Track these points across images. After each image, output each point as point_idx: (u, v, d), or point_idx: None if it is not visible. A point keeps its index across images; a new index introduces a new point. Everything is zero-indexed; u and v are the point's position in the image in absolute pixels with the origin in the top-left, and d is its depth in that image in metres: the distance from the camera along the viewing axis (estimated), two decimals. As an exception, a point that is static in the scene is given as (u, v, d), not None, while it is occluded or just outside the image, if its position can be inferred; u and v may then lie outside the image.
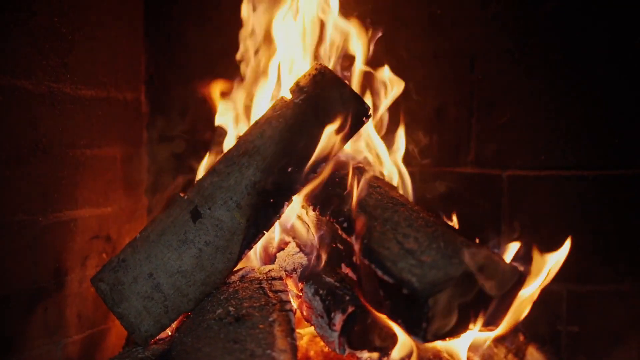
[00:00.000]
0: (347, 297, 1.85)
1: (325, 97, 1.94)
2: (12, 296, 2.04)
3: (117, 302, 1.87)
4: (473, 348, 1.92)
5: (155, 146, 2.73)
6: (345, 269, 1.97)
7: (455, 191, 2.49)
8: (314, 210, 2.02)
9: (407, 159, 2.36)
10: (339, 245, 1.96)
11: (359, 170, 2.11)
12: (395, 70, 2.37)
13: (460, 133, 2.51)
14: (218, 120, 2.37)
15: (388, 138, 2.34)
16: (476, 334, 1.85)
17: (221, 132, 2.39)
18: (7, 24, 1.97)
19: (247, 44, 2.37)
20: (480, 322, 1.73)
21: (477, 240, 1.87)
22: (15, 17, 2.00)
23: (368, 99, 2.24)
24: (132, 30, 2.64)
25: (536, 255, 1.88)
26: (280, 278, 1.96)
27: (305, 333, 2.09)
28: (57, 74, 2.17)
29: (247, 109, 2.33)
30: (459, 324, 1.68)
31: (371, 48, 2.29)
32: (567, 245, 1.94)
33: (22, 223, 2.06)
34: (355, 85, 2.24)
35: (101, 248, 2.43)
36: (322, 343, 1.99)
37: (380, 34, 2.30)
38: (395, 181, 2.26)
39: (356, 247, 1.80)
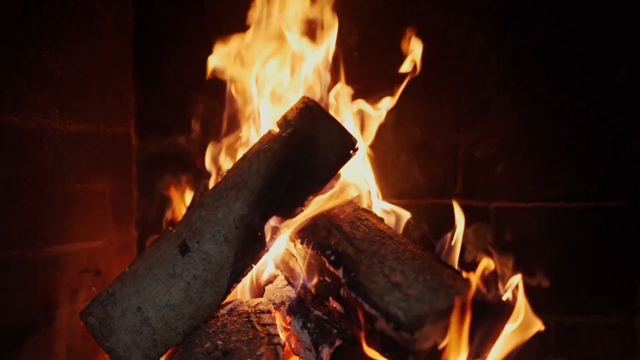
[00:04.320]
0: (335, 331, 1.85)
1: (313, 130, 1.95)
2: (0, 331, 2.04)
3: (106, 336, 1.87)
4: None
5: (144, 180, 2.73)
6: (333, 302, 1.97)
7: (443, 223, 2.50)
8: (301, 243, 2.02)
9: (395, 192, 2.38)
10: (326, 278, 1.96)
11: (347, 203, 2.12)
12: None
13: (447, 165, 2.53)
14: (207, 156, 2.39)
15: (376, 170, 2.36)
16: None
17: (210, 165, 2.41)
18: (-4, 59, 2.00)
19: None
20: (467, 354, 1.73)
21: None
22: (3, 52, 2.02)
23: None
24: (121, 65, 2.67)
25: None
26: (269, 311, 1.96)
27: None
28: (46, 109, 2.19)
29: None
30: (445, 356, 1.68)
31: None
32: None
33: (12, 258, 2.07)
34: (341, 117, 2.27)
35: (91, 282, 2.43)
36: (310, 376, 1.99)
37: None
38: (382, 214, 2.27)
39: (343, 280, 1.80)
